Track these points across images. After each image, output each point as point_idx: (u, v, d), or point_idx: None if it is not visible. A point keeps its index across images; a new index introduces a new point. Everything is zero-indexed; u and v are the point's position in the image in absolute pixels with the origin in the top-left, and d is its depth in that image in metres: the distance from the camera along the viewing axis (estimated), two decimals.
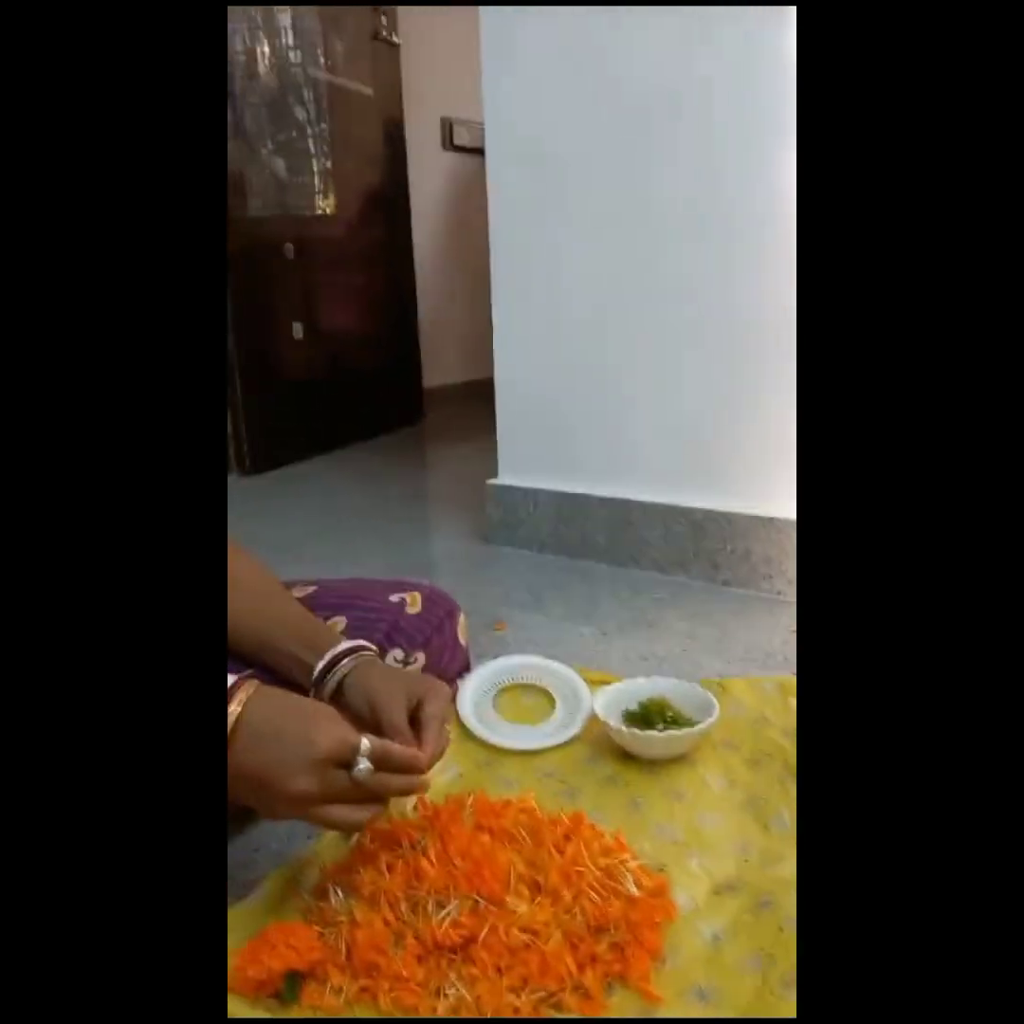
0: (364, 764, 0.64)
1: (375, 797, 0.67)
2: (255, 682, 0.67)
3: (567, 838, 0.75)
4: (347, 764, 0.65)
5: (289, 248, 2.58)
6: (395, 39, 2.83)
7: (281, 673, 0.85)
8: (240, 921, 0.71)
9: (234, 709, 0.64)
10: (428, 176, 3.29)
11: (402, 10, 2.87)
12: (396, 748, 0.68)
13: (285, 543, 1.86)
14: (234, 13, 2.34)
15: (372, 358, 3.02)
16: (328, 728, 0.65)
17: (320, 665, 0.81)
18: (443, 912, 0.68)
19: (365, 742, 0.65)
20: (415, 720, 0.75)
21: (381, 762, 0.66)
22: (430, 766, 0.71)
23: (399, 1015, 0.62)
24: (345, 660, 0.81)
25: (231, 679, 0.66)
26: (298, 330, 2.66)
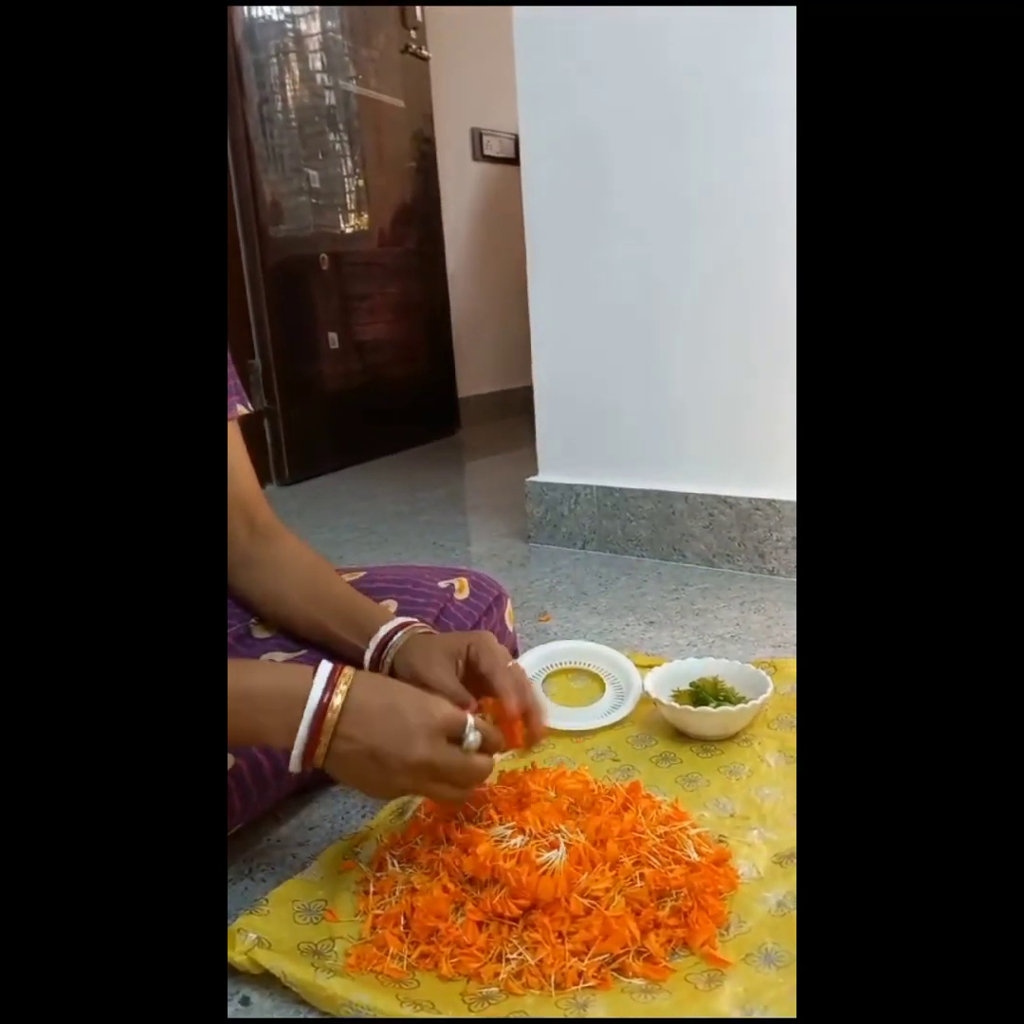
0: (474, 736, 0.67)
1: (477, 777, 0.69)
2: (352, 670, 0.67)
3: (625, 808, 0.74)
4: (456, 739, 0.67)
5: (324, 259, 2.61)
6: (424, 53, 2.87)
7: (336, 653, 0.85)
8: (298, 892, 0.71)
9: (342, 690, 0.64)
10: (459, 187, 3.32)
11: (430, 23, 2.91)
12: (492, 727, 0.70)
13: (327, 551, 1.86)
14: (264, 35, 2.38)
15: (407, 368, 3.04)
16: (440, 702, 0.67)
17: (370, 651, 0.81)
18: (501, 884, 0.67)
19: (471, 718, 0.68)
20: (471, 677, 0.76)
21: (484, 739, 0.68)
22: (523, 708, 0.73)
23: (461, 981, 0.62)
24: (395, 637, 0.81)
25: (326, 668, 0.66)
26: (334, 340, 2.69)
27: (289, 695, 0.64)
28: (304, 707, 0.63)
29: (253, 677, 0.66)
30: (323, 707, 0.64)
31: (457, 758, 0.66)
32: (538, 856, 0.66)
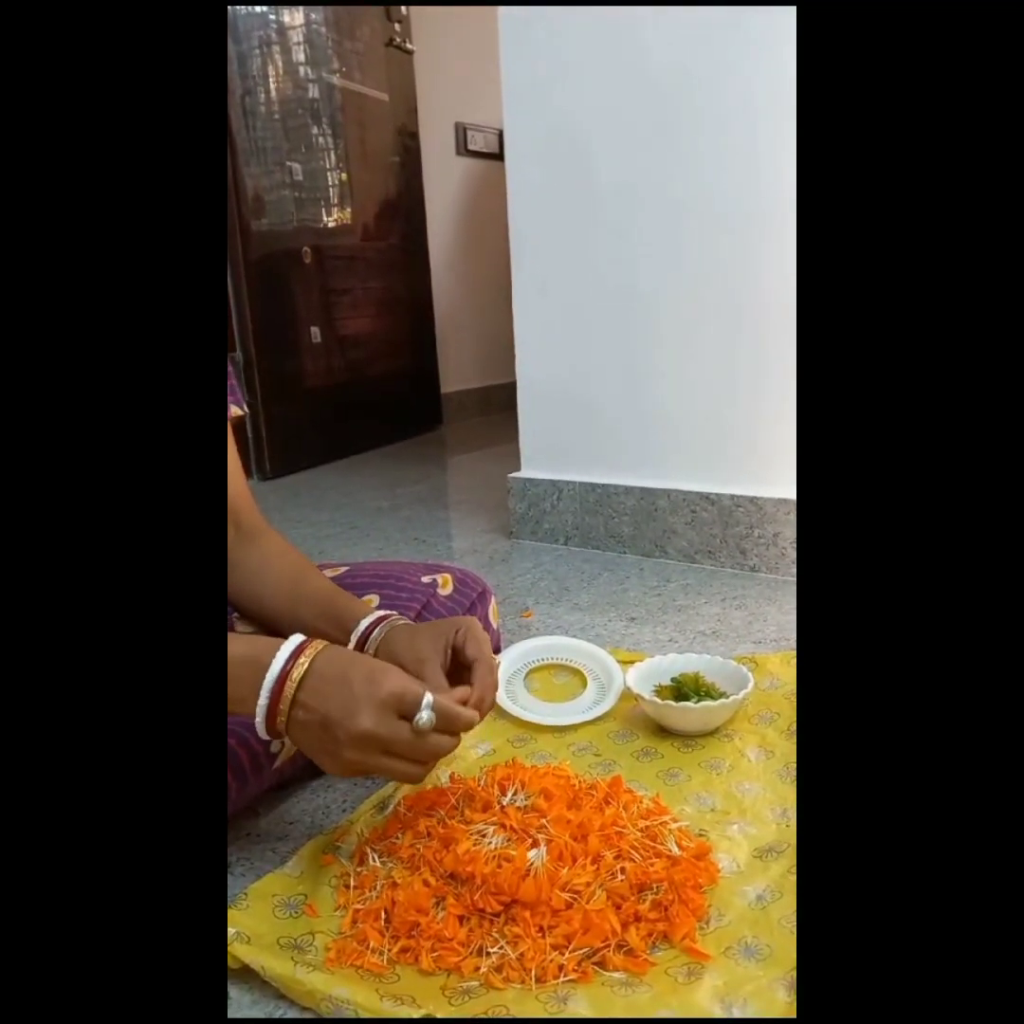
0: (427, 714, 0.65)
1: (432, 755, 0.68)
2: (322, 642, 0.68)
3: (606, 802, 0.74)
4: (409, 716, 0.65)
5: (306, 253, 2.60)
6: (409, 46, 2.86)
7: None
8: (277, 887, 0.70)
9: (303, 663, 0.65)
10: (442, 182, 3.31)
11: (415, 17, 2.90)
12: (457, 709, 0.68)
13: (307, 546, 1.86)
14: (247, 27, 2.37)
15: (390, 363, 3.03)
16: (393, 674, 0.66)
17: (351, 645, 0.80)
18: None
19: (429, 695, 0.65)
20: (458, 665, 0.76)
21: (442, 719, 0.66)
22: (487, 711, 0.73)
23: (442, 975, 0.62)
24: (375, 631, 0.80)
25: (297, 639, 0.67)
26: (316, 334, 2.68)
27: (257, 663, 0.65)
28: (266, 675, 0.65)
29: (228, 647, 0.66)
30: (283, 675, 0.64)
31: (403, 734, 0.65)
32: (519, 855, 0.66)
